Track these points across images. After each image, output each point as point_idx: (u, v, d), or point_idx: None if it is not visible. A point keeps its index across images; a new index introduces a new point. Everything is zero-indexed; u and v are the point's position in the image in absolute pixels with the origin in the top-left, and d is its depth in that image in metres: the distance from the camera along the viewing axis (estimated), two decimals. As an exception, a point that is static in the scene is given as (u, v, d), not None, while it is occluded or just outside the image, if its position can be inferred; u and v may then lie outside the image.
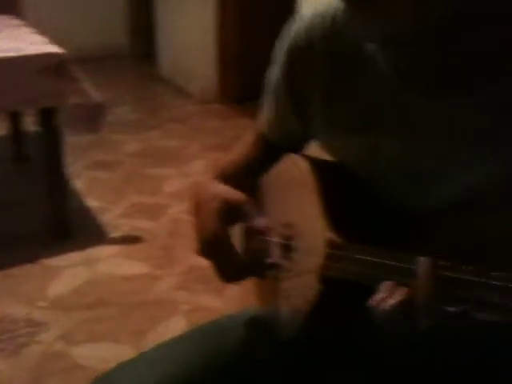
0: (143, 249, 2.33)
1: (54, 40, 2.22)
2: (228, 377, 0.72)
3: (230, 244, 0.70)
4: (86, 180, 2.96)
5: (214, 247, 0.69)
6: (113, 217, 2.58)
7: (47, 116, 2.08)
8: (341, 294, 0.58)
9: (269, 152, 0.82)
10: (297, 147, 0.79)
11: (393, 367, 0.72)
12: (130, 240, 2.39)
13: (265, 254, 0.75)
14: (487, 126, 0.57)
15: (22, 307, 1.93)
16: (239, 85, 4.16)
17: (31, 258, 2.20)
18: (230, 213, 0.70)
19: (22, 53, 1.94)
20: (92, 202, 2.70)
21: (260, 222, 0.70)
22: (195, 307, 1.96)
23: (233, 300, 1.98)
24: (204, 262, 0.74)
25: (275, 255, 0.74)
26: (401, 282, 0.51)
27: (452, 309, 0.47)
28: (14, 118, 3.03)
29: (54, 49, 2.05)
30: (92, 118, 2.02)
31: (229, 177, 0.79)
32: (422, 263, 0.49)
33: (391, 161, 0.64)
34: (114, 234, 2.43)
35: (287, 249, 0.72)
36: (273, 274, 0.75)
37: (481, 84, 0.56)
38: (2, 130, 3.27)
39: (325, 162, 0.72)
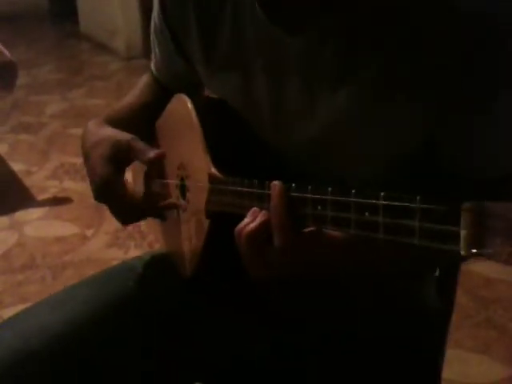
0: (72, 209, 2.31)
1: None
2: (128, 314, 0.74)
3: (122, 187, 0.70)
4: (9, 144, 2.89)
5: (105, 192, 0.70)
6: (39, 179, 2.54)
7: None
8: (229, 229, 0.60)
9: (162, 94, 0.82)
10: (188, 89, 0.78)
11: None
12: (58, 201, 2.37)
13: (164, 195, 0.78)
14: (336, 61, 0.60)
15: (-50, 275, 1.90)
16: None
17: (-45, 225, 2.16)
18: (119, 156, 0.70)
19: None
20: (17, 166, 2.64)
21: (153, 163, 0.70)
22: (127, 262, 1.97)
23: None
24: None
25: (173, 196, 0.77)
26: (261, 207, 0.55)
27: (303, 227, 0.51)
28: None
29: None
30: (3, 76, 1.95)
31: (119, 120, 0.78)
32: (274, 186, 0.53)
33: (261, 98, 0.67)
34: (42, 196, 2.39)
35: (183, 189, 0.75)
36: (173, 215, 0.78)
37: (325, 18, 0.59)
38: None
39: (211, 99, 0.74)
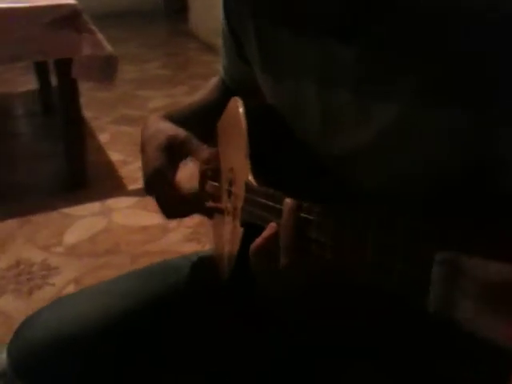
0: (159, 201, 2.39)
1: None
2: (161, 312, 0.74)
3: (171, 181, 0.70)
4: (110, 134, 3.04)
5: (154, 183, 0.70)
6: (133, 170, 2.64)
7: (62, 67, 2.11)
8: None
9: (226, 96, 0.80)
10: (251, 93, 0.77)
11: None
12: (147, 192, 2.45)
13: (215, 196, 0.78)
14: (390, 68, 0.56)
15: (40, 252, 2.03)
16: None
17: (51, 206, 2.29)
18: (173, 149, 0.70)
19: (35, 3, 1.96)
20: (114, 156, 2.77)
21: (206, 161, 0.70)
22: (201, 258, 2.01)
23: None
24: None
25: (222, 200, 0.76)
26: (276, 222, 0.53)
27: (312, 250, 0.48)
28: (42, 71, 3.10)
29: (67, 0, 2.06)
30: (105, 69, 2.04)
31: (178, 117, 0.79)
32: (286, 203, 0.50)
33: (312, 106, 0.65)
34: (133, 186, 2.49)
35: (230, 193, 0.74)
36: (221, 217, 0.77)
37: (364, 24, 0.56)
38: (33, 84, 3.35)
39: (265, 106, 0.72)
